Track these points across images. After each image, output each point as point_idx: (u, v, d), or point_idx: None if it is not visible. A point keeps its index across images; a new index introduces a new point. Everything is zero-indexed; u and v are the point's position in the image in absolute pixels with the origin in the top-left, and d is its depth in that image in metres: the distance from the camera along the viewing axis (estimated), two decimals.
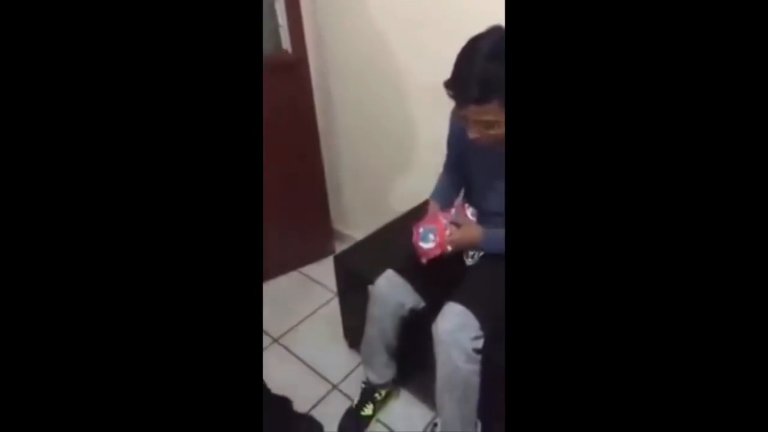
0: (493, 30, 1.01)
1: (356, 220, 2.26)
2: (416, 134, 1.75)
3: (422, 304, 1.32)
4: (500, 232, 1.19)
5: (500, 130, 1.03)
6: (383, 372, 1.46)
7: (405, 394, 1.58)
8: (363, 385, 1.51)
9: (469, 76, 0.98)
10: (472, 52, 0.99)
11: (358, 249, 1.64)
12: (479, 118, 1.03)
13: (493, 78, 0.95)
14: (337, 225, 2.30)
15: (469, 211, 1.29)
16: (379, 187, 2.04)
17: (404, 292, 1.30)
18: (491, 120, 1.02)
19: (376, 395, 1.49)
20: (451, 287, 1.23)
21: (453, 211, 1.26)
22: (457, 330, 1.14)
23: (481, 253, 1.30)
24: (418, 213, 1.31)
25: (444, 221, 1.22)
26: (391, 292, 1.31)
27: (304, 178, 2.04)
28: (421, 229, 1.22)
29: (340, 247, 2.01)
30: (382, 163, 1.97)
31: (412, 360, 1.42)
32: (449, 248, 1.20)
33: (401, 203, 1.77)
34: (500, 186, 1.19)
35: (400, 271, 1.32)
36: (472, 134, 1.07)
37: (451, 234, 1.20)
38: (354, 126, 1.99)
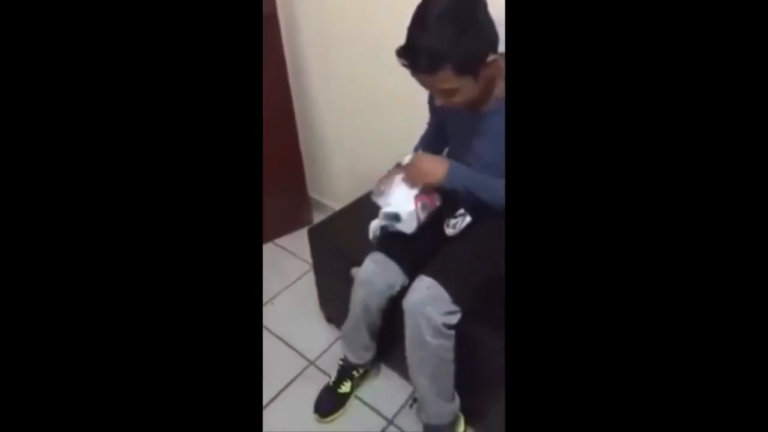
0: None
1: (334, 189, 2.16)
2: (395, 98, 1.65)
3: (408, 281, 1.26)
4: (470, 170, 1.12)
5: (464, 97, 0.99)
6: (363, 354, 1.42)
7: (384, 369, 1.54)
8: (341, 362, 1.46)
9: (417, 45, 0.91)
10: (422, 16, 0.91)
11: (335, 221, 1.58)
12: (436, 86, 0.97)
13: (444, 44, 0.89)
14: (314, 193, 2.21)
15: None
16: (358, 154, 1.95)
17: (393, 274, 1.24)
18: (451, 88, 0.96)
19: (354, 373, 1.45)
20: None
21: (436, 195, 1.21)
22: (425, 303, 1.10)
23: (464, 225, 1.24)
24: None
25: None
26: (379, 274, 1.25)
27: (276, 144, 1.90)
28: None
29: (317, 218, 1.93)
30: (361, 128, 1.87)
31: (392, 336, 1.38)
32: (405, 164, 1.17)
33: (381, 170, 1.68)
34: (475, 146, 1.14)
35: (388, 252, 1.25)
36: (438, 102, 1.04)
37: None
38: (329, 89, 1.87)
